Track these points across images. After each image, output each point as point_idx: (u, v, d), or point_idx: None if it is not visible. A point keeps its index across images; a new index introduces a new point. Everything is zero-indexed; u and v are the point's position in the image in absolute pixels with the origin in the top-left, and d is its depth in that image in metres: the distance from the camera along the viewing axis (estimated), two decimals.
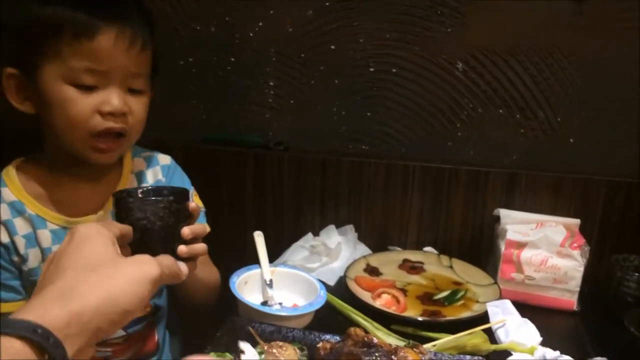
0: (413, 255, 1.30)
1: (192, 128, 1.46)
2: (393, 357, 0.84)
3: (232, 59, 1.40)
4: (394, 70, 1.33)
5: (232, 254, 1.25)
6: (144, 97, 0.91)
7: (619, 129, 1.26)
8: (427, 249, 1.33)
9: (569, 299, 1.13)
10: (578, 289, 1.13)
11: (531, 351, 0.94)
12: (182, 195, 0.77)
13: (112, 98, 0.86)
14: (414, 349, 0.88)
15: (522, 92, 1.28)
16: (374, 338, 0.88)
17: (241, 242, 1.36)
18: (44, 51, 0.83)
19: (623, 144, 1.26)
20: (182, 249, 0.72)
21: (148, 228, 0.71)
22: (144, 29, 0.89)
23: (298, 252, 1.28)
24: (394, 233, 1.36)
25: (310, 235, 1.34)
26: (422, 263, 1.28)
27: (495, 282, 1.15)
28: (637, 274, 1.09)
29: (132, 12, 0.88)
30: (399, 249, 1.33)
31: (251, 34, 1.38)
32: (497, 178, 1.29)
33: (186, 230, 0.74)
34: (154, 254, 0.66)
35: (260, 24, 1.37)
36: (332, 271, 1.24)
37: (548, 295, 1.14)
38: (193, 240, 0.75)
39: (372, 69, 1.35)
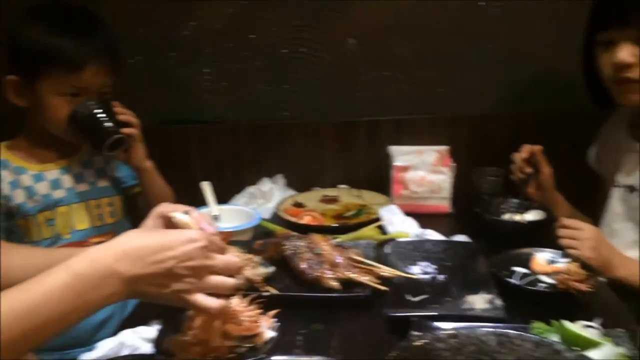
0: (330, 192, 1.67)
1: (147, 113, 1.78)
2: (306, 240, 1.20)
3: (174, 54, 1.73)
4: (302, 50, 1.69)
5: None
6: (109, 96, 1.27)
7: (476, 79, 1.65)
8: (341, 186, 1.69)
9: (444, 204, 1.52)
10: (449, 195, 1.51)
11: (406, 235, 1.32)
12: None
13: None
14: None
15: (403, 57, 1.66)
16: (294, 233, 1.23)
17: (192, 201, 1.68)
18: (41, 73, 1.18)
19: (479, 91, 1.65)
20: None
21: None
22: (117, 54, 1.25)
23: (239, 199, 1.62)
24: (315, 177, 1.72)
25: (249, 188, 1.68)
26: (337, 196, 1.64)
27: (390, 200, 1.53)
28: (489, 177, 1.48)
29: (112, 44, 1.24)
30: (319, 188, 1.69)
31: (186, 33, 1.71)
32: (389, 125, 1.67)
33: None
34: None
35: (194, 23, 1.70)
36: (267, 209, 1.58)
37: (429, 204, 1.52)
38: None
39: (285, 50, 1.70)
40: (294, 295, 1.08)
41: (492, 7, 1.59)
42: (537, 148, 1.37)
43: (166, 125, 1.75)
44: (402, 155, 1.57)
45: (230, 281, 0.75)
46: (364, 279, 1.06)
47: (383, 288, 1.04)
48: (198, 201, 1.46)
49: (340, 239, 1.31)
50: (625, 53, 1.14)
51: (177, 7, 1.68)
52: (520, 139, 1.44)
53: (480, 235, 1.32)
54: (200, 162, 1.74)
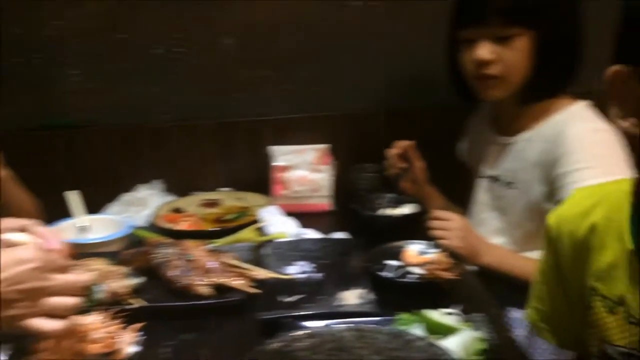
0: (212, 195, 1.61)
1: (10, 118, 1.64)
2: (177, 247, 1.15)
3: (39, 55, 1.60)
4: (177, 50, 1.63)
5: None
6: None
7: (355, 78, 1.67)
8: (223, 189, 1.65)
9: (324, 202, 1.52)
10: (329, 193, 1.52)
11: (284, 235, 1.30)
12: None
13: None
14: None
15: (281, 56, 1.64)
16: (166, 240, 1.17)
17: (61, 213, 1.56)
18: None
19: (358, 89, 1.67)
20: None
21: None
22: None
23: (113, 208, 1.53)
24: (196, 181, 1.66)
25: (124, 195, 1.59)
26: (219, 199, 1.60)
27: (272, 201, 1.51)
28: (366, 174, 1.50)
29: None
30: (200, 192, 1.64)
31: (52, 33, 1.58)
32: (270, 125, 1.65)
33: None
34: None
35: (60, 23, 1.58)
36: (143, 217, 1.51)
37: (310, 203, 1.52)
38: None
39: (159, 50, 1.63)
40: (162, 306, 1.03)
41: (368, 6, 1.62)
42: (409, 143, 1.41)
43: (30, 131, 1.62)
44: (282, 155, 1.55)
45: (69, 302, 0.69)
46: (236, 283, 1.03)
47: (254, 291, 1.01)
48: (67, 212, 1.36)
49: (218, 243, 1.27)
50: (484, 51, 1.19)
51: (41, 6, 1.56)
52: (398, 134, 1.48)
53: (359, 231, 1.34)
54: (70, 170, 1.62)
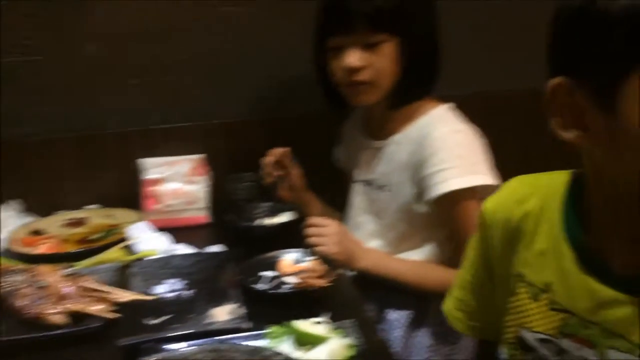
0: (78, 214, 1.49)
1: None
2: (28, 274, 1.04)
3: None
4: (33, 58, 1.49)
5: None
6: None
7: (230, 85, 1.62)
8: (92, 206, 1.53)
9: (201, 214, 1.46)
10: (206, 205, 1.46)
11: (154, 253, 1.23)
12: None
13: None
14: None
15: (148, 63, 1.55)
16: (16, 267, 1.06)
17: None
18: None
19: (234, 97, 1.62)
20: None
21: None
22: None
23: None
24: (60, 199, 1.52)
25: None
26: (85, 218, 1.48)
27: (143, 217, 1.42)
28: (243, 184, 1.46)
29: None
30: (65, 211, 1.51)
31: None
32: (139, 135, 1.55)
33: None
34: None
35: None
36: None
37: (186, 216, 1.45)
38: None
39: (10, 58, 1.48)
40: (11, 340, 0.92)
41: (240, 12, 1.58)
42: (284, 151, 1.39)
43: None
44: (153, 167, 1.47)
45: None
46: (94, 308, 0.94)
47: (114, 316, 0.94)
48: None
49: (80, 265, 1.17)
50: (353, 58, 1.20)
51: None
52: (273, 142, 1.45)
53: (236, 243, 1.29)
54: None
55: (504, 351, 0.76)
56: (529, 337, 0.72)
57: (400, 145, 1.26)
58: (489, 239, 0.79)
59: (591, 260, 0.66)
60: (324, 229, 1.17)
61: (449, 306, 0.87)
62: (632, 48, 0.54)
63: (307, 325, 0.82)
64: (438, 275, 1.20)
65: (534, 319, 0.72)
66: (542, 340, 0.70)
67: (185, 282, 1.11)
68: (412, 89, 1.24)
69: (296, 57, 1.58)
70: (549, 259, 0.71)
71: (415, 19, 1.21)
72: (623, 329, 0.62)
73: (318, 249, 1.14)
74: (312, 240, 1.16)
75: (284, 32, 1.60)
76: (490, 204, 0.81)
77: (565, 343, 0.67)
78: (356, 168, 1.37)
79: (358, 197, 1.36)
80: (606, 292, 0.63)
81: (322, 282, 1.01)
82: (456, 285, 0.87)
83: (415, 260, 1.26)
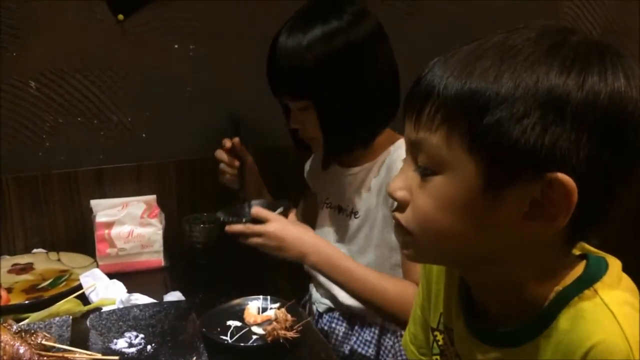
0: (22, 259, 1.42)
1: None
2: None
3: None
4: None
5: None
6: None
7: (180, 123, 1.59)
8: (36, 250, 1.46)
9: (157, 258, 1.42)
10: (161, 248, 1.42)
11: (112, 302, 1.18)
12: None
13: None
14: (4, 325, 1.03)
15: (94, 101, 1.51)
16: None
17: None
18: None
19: (184, 135, 1.60)
20: None
21: None
22: None
23: None
24: (4, 243, 1.45)
25: None
26: (31, 263, 1.41)
27: (95, 261, 1.37)
28: (201, 225, 1.43)
29: None
30: (8, 256, 1.43)
31: None
32: (88, 176, 1.50)
33: None
34: None
35: None
36: None
37: (140, 260, 1.41)
38: None
39: None
40: None
41: (189, 48, 1.56)
42: (235, 140, 1.39)
43: None
44: (105, 209, 1.42)
45: None
46: None
47: None
48: None
49: (30, 319, 1.11)
50: (291, 120, 1.27)
51: None
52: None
53: (195, 289, 1.27)
54: None
55: None
56: None
57: (370, 172, 1.27)
58: (428, 273, 0.83)
59: (475, 321, 0.71)
60: (263, 227, 1.19)
61: (405, 339, 0.90)
62: None
63: None
64: (384, 289, 1.17)
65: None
66: None
67: (143, 335, 1.07)
68: (341, 146, 1.26)
69: (248, 94, 1.59)
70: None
71: (329, 85, 1.19)
72: None
73: (260, 249, 1.18)
74: (252, 242, 1.19)
75: (236, 71, 1.60)
76: None
77: None
78: (325, 194, 1.38)
79: (327, 223, 1.35)
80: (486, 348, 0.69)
81: (290, 334, 1.00)
82: (410, 319, 0.90)
83: (372, 271, 1.20)
